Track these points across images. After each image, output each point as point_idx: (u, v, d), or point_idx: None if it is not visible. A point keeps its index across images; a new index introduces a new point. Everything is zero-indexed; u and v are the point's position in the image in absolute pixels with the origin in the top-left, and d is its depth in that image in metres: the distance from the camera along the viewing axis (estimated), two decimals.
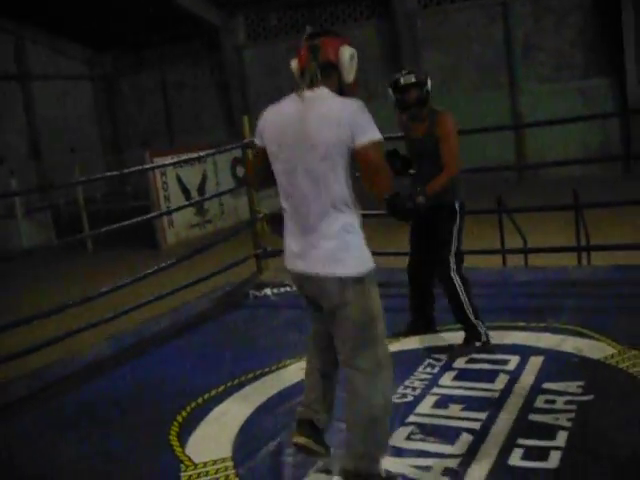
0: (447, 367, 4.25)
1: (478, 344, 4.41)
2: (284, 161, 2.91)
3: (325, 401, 3.18)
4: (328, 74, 2.92)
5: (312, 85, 2.89)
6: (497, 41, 14.37)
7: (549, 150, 13.09)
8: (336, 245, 2.83)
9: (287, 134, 2.89)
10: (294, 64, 3.05)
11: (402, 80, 4.42)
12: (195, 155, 7.99)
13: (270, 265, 6.98)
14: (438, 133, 4.36)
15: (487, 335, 4.44)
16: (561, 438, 3.28)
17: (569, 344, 4.38)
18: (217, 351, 5.07)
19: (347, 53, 2.94)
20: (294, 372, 4.44)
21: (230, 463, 3.40)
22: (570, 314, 4.88)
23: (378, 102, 15.09)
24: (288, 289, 6.29)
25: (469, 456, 3.22)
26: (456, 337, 4.64)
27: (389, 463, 3.22)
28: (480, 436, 3.38)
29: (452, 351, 4.45)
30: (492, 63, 14.45)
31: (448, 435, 3.43)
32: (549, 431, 3.35)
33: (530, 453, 3.19)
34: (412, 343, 4.74)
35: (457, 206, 4.45)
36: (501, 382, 3.95)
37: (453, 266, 4.43)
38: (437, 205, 4.29)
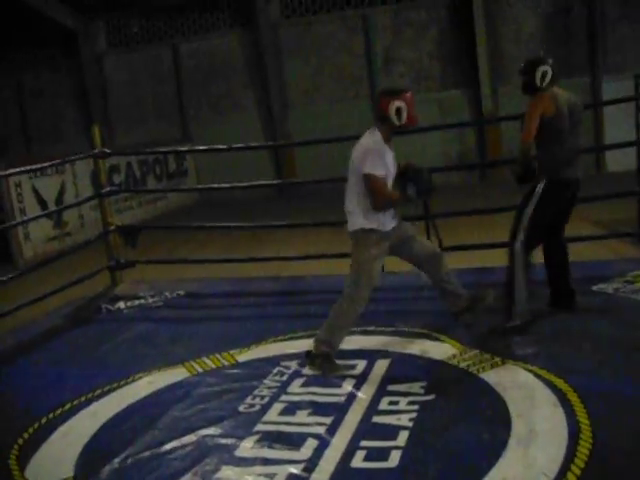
0: (296, 374, 4.28)
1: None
2: None
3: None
4: (381, 120, 4.25)
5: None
6: (358, 53, 14.69)
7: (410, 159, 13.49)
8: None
9: None
10: None
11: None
12: (47, 164, 7.66)
13: (125, 278, 6.82)
14: None
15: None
16: (402, 438, 3.38)
17: (415, 347, 4.52)
18: (65, 368, 4.90)
19: (394, 107, 4.16)
20: (143, 386, 4.38)
21: None
22: (417, 317, 5.04)
23: (242, 112, 15.21)
24: (142, 302, 6.17)
25: (314, 461, 3.26)
26: (306, 344, 4.70)
27: (233, 473, 3.23)
28: (325, 441, 3.43)
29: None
30: (353, 74, 14.75)
31: (294, 441, 3.46)
32: (391, 432, 3.45)
33: (372, 454, 3.27)
34: (262, 352, 4.75)
35: (539, 187, 4.56)
36: (348, 386, 4.02)
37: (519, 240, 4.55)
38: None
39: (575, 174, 4.65)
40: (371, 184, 4.18)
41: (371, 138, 4.25)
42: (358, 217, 4.27)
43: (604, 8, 13.34)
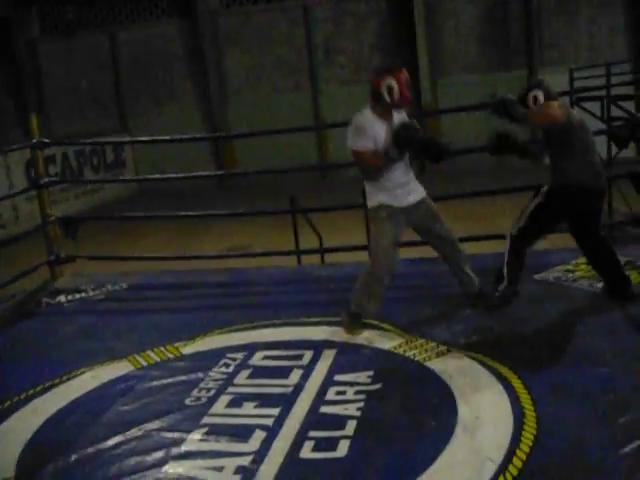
0: (242, 366, 4.25)
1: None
2: None
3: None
4: (374, 98, 4.36)
5: None
6: (298, 43, 14.67)
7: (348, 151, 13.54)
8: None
9: None
10: None
11: None
12: None
13: (65, 271, 6.67)
14: None
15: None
16: (350, 427, 3.40)
17: (361, 336, 4.54)
18: (5, 364, 4.75)
19: (385, 85, 4.26)
20: (87, 381, 4.29)
21: None
22: None
23: (181, 102, 15.03)
24: (83, 295, 6.04)
25: (262, 453, 3.25)
26: (251, 336, 4.70)
27: (180, 467, 3.19)
28: (273, 432, 3.42)
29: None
30: (294, 65, 14.74)
31: (241, 433, 3.43)
32: (339, 421, 3.46)
33: (320, 444, 3.28)
34: (207, 344, 4.70)
35: (543, 189, 4.76)
36: (295, 377, 4.01)
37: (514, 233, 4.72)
38: None
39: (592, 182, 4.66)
40: (355, 157, 4.45)
41: (358, 116, 4.42)
42: (369, 195, 4.55)
43: (541, 3, 13.63)
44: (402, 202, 4.46)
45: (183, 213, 7.43)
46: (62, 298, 6.10)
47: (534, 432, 3.18)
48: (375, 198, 4.48)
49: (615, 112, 7.46)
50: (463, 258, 4.71)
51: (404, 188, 4.48)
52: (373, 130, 4.33)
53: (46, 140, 6.49)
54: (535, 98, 4.56)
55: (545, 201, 4.72)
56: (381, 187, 4.44)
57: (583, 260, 5.57)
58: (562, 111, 4.51)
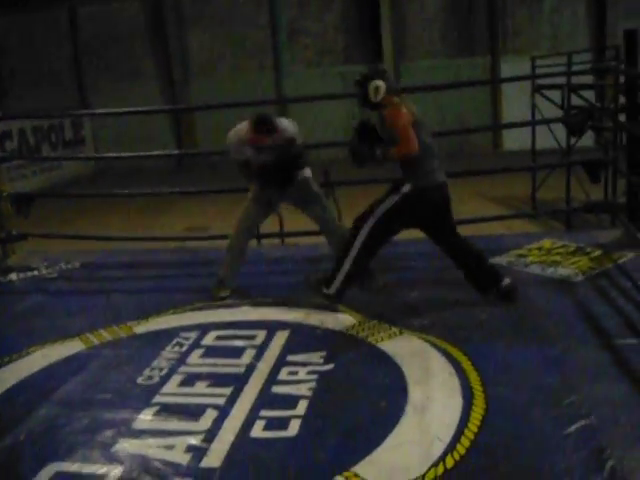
0: (195, 345, 4.24)
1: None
2: None
3: None
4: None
5: None
6: (262, 23, 14.56)
7: (311, 133, 13.51)
8: None
9: None
10: None
11: None
12: None
13: (17, 249, 6.56)
14: None
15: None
16: (301, 407, 3.41)
17: (314, 317, 4.54)
18: None
19: (372, 86, 4.43)
20: (37, 359, 4.23)
21: None
22: None
23: (142, 81, 14.81)
24: (35, 273, 5.95)
25: (213, 432, 3.24)
26: (208, 315, 4.69)
27: (130, 446, 3.18)
28: (224, 411, 3.42)
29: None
30: (257, 46, 14.62)
31: (193, 412, 3.43)
32: (290, 401, 3.47)
33: (272, 424, 3.28)
34: (160, 323, 4.67)
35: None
36: (248, 357, 4.01)
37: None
38: None
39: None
40: None
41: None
42: None
43: None
44: None
45: (139, 191, 7.35)
46: (14, 276, 6.00)
47: (482, 412, 3.23)
48: None
49: (576, 101, 7.56)
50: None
51: None
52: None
53: None
54: (377, 89, 4.42)
55: (401, 202, 4.49)
56: None
57: (536, 245, 5.67)
58: (408, 117, 4.37)
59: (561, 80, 7.64)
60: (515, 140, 12.34)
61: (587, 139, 7.76)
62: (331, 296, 4.62)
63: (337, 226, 5.06)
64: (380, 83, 4.43)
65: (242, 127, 4.83)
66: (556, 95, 8.02)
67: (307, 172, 5.01)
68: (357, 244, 4.52)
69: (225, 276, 5.10)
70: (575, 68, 7.68)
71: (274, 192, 4.98)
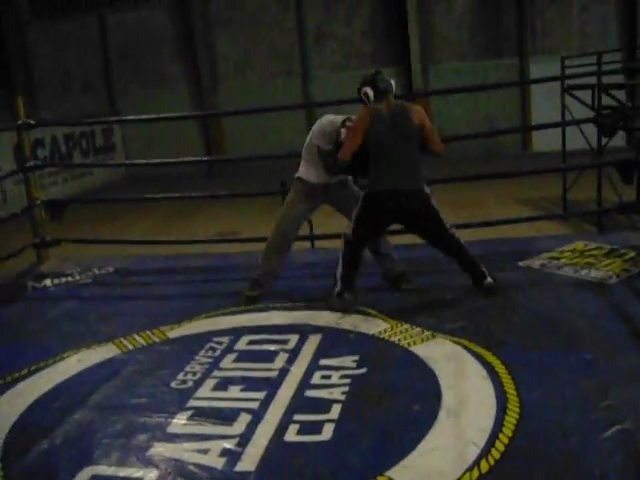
0: (228, 350, 4.26)
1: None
2: None
3: None
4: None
5: None
6: (289, 28, 14.59)
7: None
8: None
9: None
10: None
11: None
12: None
13: (51, 255, 6.65)
14: None
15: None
16: (335, 411, 3.41)
17: (346, 321, 4.56)
18: None
19: (362, 94, 4.70)
20: (72, 364, 4.29)
21: None
22: None
23: (171, 87, 14.93)
24: (69, 279, 6.03)
25: (247, 436, 3.25)
26: (237, 320, 4.71)
27: (165, 449, 3.20)
28: (258, 415, 3.43)
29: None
30: (285, 50, 14.66)
31: (227, 417, 3.44)
32: (324, 405, 3.47)
33: (305, 428, 3.29)
34: (193, 328, 4.71)
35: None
36: (280, 361, 4.03)
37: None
38: None
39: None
40: None
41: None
42: None
43: None
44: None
45: (170, 195, 7.39)
46: (48, 282, 6.09)
47: (517, 416, 3.21)
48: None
49: (606, 101, 7.47)
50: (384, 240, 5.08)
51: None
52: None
53: (32, 121, 6.44)
54: (366, 96, 4.67)
55: (364, 205, 4.72)
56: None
57: (569, 247, 5.62)
58: (364, 123, 4.61)
59: (591, 80, 7.55)
60: (544, 141, 12.22)
61: (618, 139, 7.64)
62: (332, 298, 4.79)
63: None
64: (368, 90, 4.66)
65: (339, 118, 4.91)
66: (586, 95, 7.93)
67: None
68: (344, 249, 4.81)
69: (260, 275, 5.14)
70: (605, 68, 7.58)
71: (322, 191, 5.06)
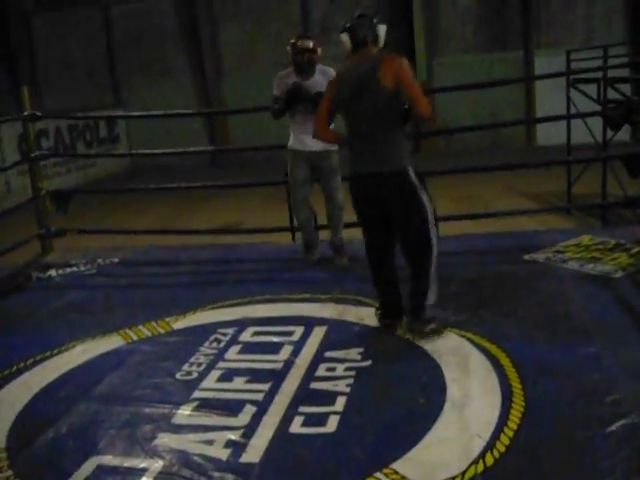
0: (233, 341, 4.27)
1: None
2: None
3: None
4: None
5: None
6: (294, 19, 14.55)
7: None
8: None
9: None
10: None
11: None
12: None
13: (56, 245, 6.65)
14: None
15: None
16: (340, 403, 3.41)
17: (351, 313, 4.55)
18: None
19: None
20: (77, 355, 4.29)
21: (4, 454, 3.21)
22: (352, 284, 5.06)
23: (175, 77, 14.92)
24: (74, 269, 6.03)
25: (252, 427, 3.26)
26: (246, 311, 4.72)
27: (170, 440, 3.21)
28: (263, 407, 3.43)
29: None
30: (289, 41, 14.61)
31: (231, 408, 3.45)
32: (329, 397, 3.47)
33: (310, 420, 3.29)
34: (198, 319, 4.71)
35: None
36: (285, 353, 4.02)
37: None
38: None
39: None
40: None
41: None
42: None
43: None
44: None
45: (175, 185, 7.39)
46: (53, 272, 6.09)
47: (522, 410, 3.20)
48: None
49: (612, 94, 7.46)
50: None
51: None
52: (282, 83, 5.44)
53: (37, 113, 6.44)
54: (343, 43, 3.91)
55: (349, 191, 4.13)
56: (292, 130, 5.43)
57: (575, 241, 5.61)
58: (331, 86, 3.94)
59: (596, 74, 7.53)
60: (548, 135, 12.20)
61: (623, 133, 7.64)
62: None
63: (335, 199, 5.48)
64: (343, 36, 3.86)
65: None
66: (591, 89, 7.91)
67: (335, 146, 5.08)
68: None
69: (305, 240, 5.69)
70: (611, 61, 7.56)
71: (306, 156, 5.31)
